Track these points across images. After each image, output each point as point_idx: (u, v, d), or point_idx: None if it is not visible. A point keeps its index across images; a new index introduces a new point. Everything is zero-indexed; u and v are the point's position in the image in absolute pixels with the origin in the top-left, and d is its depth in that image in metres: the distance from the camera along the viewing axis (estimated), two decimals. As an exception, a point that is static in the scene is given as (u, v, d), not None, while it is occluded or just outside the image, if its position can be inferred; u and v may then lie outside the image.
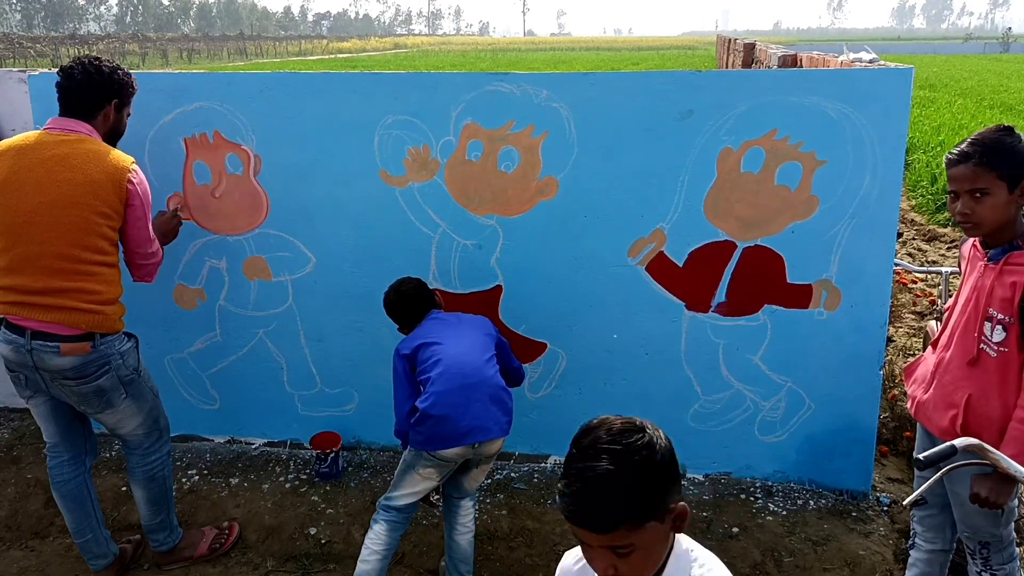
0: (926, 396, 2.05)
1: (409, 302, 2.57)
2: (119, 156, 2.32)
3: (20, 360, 2.26)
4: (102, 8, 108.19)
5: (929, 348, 2.13)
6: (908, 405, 2.15)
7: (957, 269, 3.30)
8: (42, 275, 2.21)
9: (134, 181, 2.30)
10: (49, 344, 2.22)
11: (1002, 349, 1.85)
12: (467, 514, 2.49)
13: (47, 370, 2.25)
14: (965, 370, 1.93)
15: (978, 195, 1.85)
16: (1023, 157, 1.83)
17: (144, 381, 2.48)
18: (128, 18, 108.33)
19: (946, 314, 2.17)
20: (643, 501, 1.13)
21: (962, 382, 1.94)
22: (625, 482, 1.12)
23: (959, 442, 1.71)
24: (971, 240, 2.02)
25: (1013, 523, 2.02)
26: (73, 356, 2.23)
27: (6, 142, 2.30)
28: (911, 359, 4.30)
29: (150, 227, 2.40)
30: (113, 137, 2.43)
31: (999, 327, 1.85)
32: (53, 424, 2.46)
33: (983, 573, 2.04)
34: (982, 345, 1.90)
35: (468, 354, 2.37)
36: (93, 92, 2.33)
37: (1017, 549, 2.06)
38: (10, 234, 2.22)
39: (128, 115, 2.50)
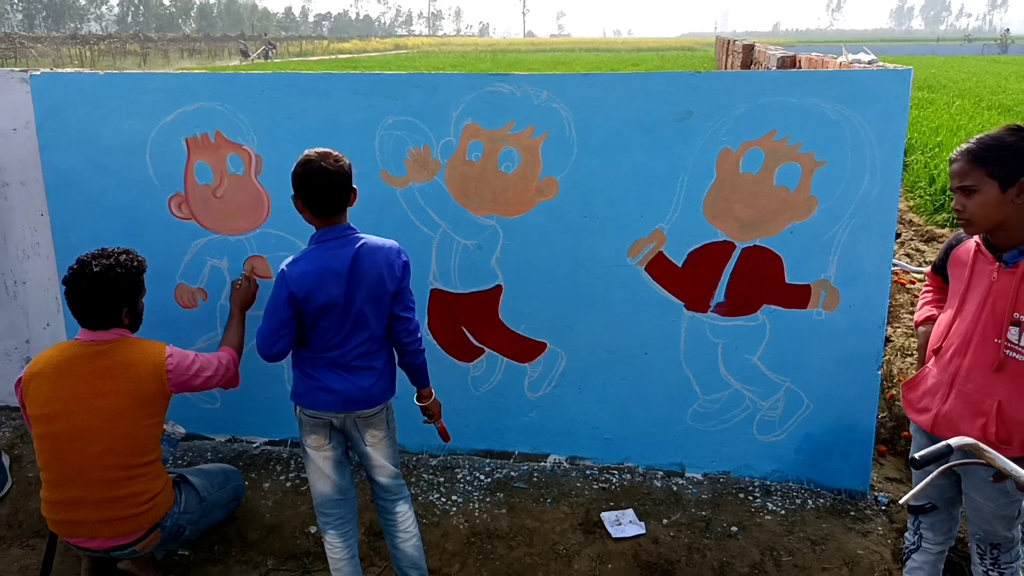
0: (945, 407, 1.99)
1: (331, 190, 2.18)
2: (151, 353, 2.38)
3: (102, 559, 2.45)
4: (103, 8, 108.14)
5: (930, 360, 2.08)
6: (919, 418, 2.07)
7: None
8: (92, 487, 2.31)
9: (170, 368, 2.37)
10: (125, 551, 2.39)
11: None
12: (404, 519, 2.41)
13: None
14: (991, 377, 1.90)
15: (968, 192, 1.87)
16: (1019, 157, 1.81)
17: (213, 503, 2.67)
18: (129, 18, 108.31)
19: (931, 313, 2.15)
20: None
21: (988, 389, 1.90)
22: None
23: (955, 441, 1.72)
24: (968, 245, 2.00)
25: (1020, 524, 2.03)
26: (150, 547, 2.43)
27: (40, 359, 2.36)
28: (909, 359, 4.32)
29: (195, 379, 2.45)
30: (135, 327, 2.47)
31: None
32: None
33: (991, 572, 2.04)
34: (1007, 351, 1.87)
35: None
36: (111, 296, 2.34)
37: (1021, 548, 2.07)
38: (56, 451, 2.31)
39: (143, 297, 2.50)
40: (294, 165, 2.18)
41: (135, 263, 2.40)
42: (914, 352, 4.43)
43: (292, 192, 2.20)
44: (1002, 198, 1.83)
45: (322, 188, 2.15)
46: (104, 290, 2.30)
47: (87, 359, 2.31)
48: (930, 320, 2.18)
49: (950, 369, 1.99)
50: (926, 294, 2.28)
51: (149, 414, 2.36)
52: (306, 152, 2.18)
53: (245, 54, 42.14)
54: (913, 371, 4.16)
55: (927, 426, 2.04)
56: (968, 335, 1.95)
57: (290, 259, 2.23)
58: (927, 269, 2.31)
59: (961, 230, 2.04)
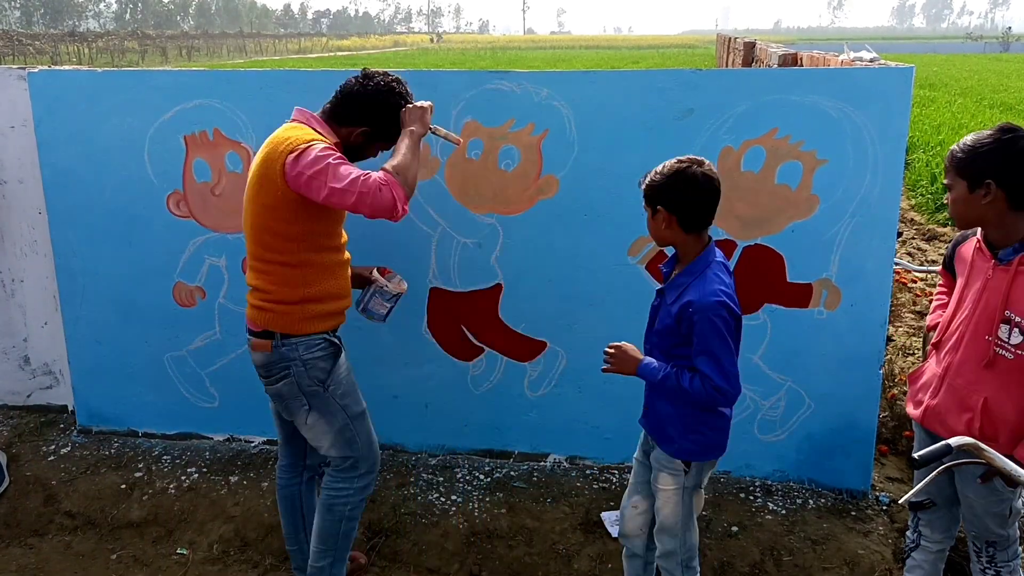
0: (935, 401, 2.02)
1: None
2: (283, 139, 2.07)
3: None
4: (101, 5, 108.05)
5: (931, 354, 2.11)
6: (912, 411, 2.10)
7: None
8: (248, 273, 2.24)
9: (289, 165, 2.02)
10: (248, 336, 2.24)
11: (1020, 352, 1.84)
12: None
13: (254, 363, 2.26)
14: (980, 373, 1.91)
15: (946, 188, 1.94)
16: (989, 160, 1.82)
17: (333, 398, 2.24)
18: (127, 15, 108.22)
19: (941, 316, 2.16)
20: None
21: (976, 385, 1.92)
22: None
23: (954, 441, 1.71)
24: (971, 242, 2.01)
25: (1017, 522, 2.03)
26: (258, 352, 2.20)
27: None
28: (911, 358, 4.31)
29: (332, 182, 1.99)
30: (352, 156, 2.21)
31: (1016, 330, 1.84)
32: (278, 427, 2.43)
33: (988, 570, 2.05)
34: (997, 348, 1.88)
35: None
36: (350, 106, 2.20)
37: (1020, 547, 2.07)
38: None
39: (379, 151, 2.32)
40: (665, 174, 1.96)
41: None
42: (916, 351, 4.42)
43: (654, 204, 2.00)
44: (970, 198, 1.87)
45: (710, 197, 1.95)
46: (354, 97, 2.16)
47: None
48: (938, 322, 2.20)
49: (943, 364, 2.01)
50: (940, 295, 2.28)
51: (267, 207, 2.09)
52: (679, 160, 1.96)
53: None
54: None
55: (919, 419, 2.08)
56: (962, 331, 1.97)
57: (721, 284, 2.01)
58: (939, 268, 2.32)
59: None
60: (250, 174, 2.16)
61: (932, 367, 2.07)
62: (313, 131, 2.15)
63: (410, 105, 2.25)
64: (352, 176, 2.00)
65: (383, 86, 2.20)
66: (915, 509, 2.23)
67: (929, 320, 2.25)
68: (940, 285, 2.30)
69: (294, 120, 2.20)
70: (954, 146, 1.91)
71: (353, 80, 2.23)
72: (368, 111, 2.19)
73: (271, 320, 2.16)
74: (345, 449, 2.29)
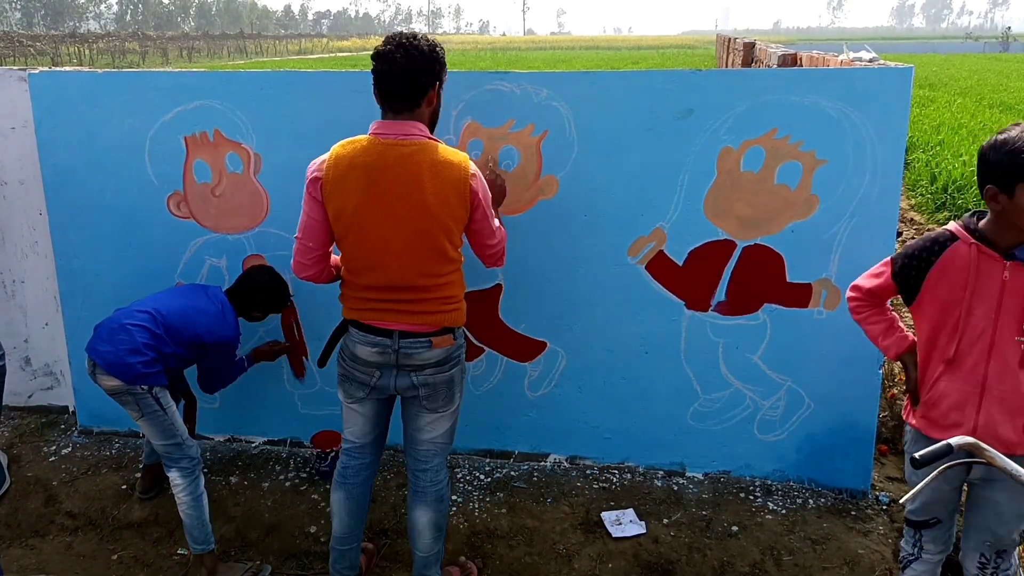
0: (981, 418, 1.92)
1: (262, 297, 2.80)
2: (458, 163, 2.12)
3: (384, 360, 2.23)
4: (102, 6, 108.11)
5: (938, 375, 1.99)
6: (945, 435, 1.84)
7: None
8: (405, 292, 2.18)
9: (476, 187, 2.13)
10: (419, 340, 2.20)
11: None
12: (174, 486, 2.56)
13: (409, 365, 2.23)
14: (1020, 375, 1.87)
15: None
16: (984, 163, 1.80)
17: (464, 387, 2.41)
18: (128, 16, 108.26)
19: (932, 333, 2.06)
20: None
21: (1020, 388, 1.88)
22: None
23: (955, 440, 1.71)
24: (958, 250, 1.90)
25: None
26: (440, 348, 2.23)
27: (344, 157, 2.10)
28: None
29: (492, 219, 2.23)
30: (434, 122, 2.22)
31: None
32: (371, 426, 2.40)
33: None
34: None
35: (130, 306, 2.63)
36: (419, 76, 2.08)
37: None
38: (367, 257, 2.15)
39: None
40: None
41: (443, 51, 2.18)
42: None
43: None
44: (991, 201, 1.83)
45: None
46: (422, 56, 2.06)
47: (394, 163, 2.08)
48: (913, 344, 2.10)
49: (975, 377, 1.92)
50: (872, 316, 2.17)
51: (451, 231, 2.15)
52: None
53: None
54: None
55: (968, 445, 1.85)
56: (988, 338, 1.89)
57: None
58: (876, 280, 2.10)
59: (918, 238, 1.99)
60: (415, 203, 2.09)
61: (956, 385, 1.96)
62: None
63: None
64: None
65: (425, 44, 2.12)
66: (920, 527, 2.16)
67: (899, 346, 2.13)
68: (862, 301, 2.17)
69: (407, 137, 2.11)
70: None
71: (399, 53, 2.08)
72: (432, 68, 2.13)
73: (456, 318, 2.25)
74: (452, 436, 2.41)
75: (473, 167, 2.15)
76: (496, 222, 2.27)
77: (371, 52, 2.14)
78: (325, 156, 2.14)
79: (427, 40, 2.11)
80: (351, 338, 2.27)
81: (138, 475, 3.15)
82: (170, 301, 2.66)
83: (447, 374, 2.28)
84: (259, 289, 2.79)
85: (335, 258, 2.30)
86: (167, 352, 2.57)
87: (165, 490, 2.94)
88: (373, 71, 2.10)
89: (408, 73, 2.06)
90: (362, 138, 2.13)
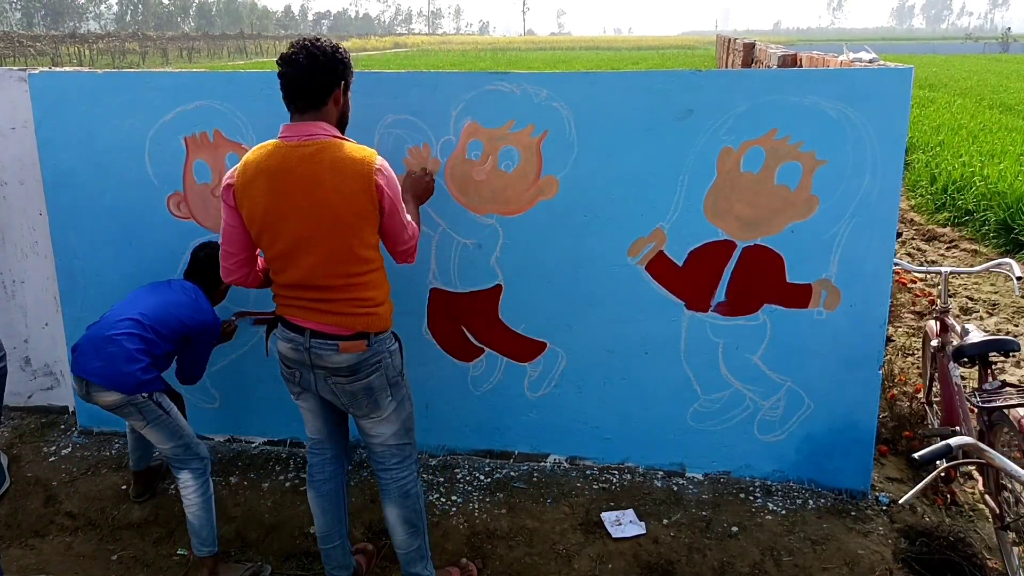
0: None
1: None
2: (361, 158, 2.15)
3: (298, 358, 2.28)
4: (102, 7, 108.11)
5: None
6: None
7: (956, 269, 3.31)
8: (316, 291, 2.21)
9: (381, 182, 2.15)
10: (328, 342, 2.22)
11: None
12: (184, 487, 2.59)
13: (322, 367, 2.26)
14: None
15: None
16: None
17: (406, 387, 2.41)
18: (128, 17, 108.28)
19: None
20: None
21: None
22: None
23: (955, 441, 1.72)
24: None
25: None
26: (349, 354, 2.23)
27: (251, 163, 2.17)
28: (910, 359, 4.31)
29: (403, 214, 2.26)
30: (343, 123, 2.28)
31: None
32: (321, 421, 2.44)
33: None
34: None
35: (113, 316, 2.59)
36: (320, 78, 2.14)
37: None
38: (282, 259, 2.21)
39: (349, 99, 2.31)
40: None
41: (348, 55, 2.25)
42: (916, 351, 4.42)
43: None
44: None
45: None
46: (324, 56, 2.12)
47: (297, 163, 2.12)
48: None
49: None
50: None
51: (361, 229, 2.18)
52: None
53: None
54: (915, 371, 4.15)
55: None
56: None
57: None
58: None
59: None
60: (320, 203, 2.13)
61: None
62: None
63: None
64: None
65: (328, 46, 2.20)
66: None
67: None
68: None
69: (310, 137, 2.16)
70: None
71: (301, 55, 2.15)
72: (335, 69, 2.20)
73: (371, 322, 2.24)
74: (406, 436, 2.41)
75: (379, 161, 2.17)
76: (408, 218, 2.29)
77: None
78: (238, 164, 2.22)
79: (330, 42, 2.19)
80: (277, 333, 2.34)
81: (138, 475, 3.15)
82: (145, 302, 2.63)
83: (363, 382, 2.26)
84: (208, 261, 2.73)
85: (262, 262, 2.35)
86: (159, 353, 2.57)
87: (160, 492, 2.93)
88: (278, 75, 2.17)
89: (310, 72, 2.12)
90: (269, 143, 2.20)
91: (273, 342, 2.38)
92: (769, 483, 3.07)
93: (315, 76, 2.13)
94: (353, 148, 2.17)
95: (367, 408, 2.31)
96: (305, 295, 2.22)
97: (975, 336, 2.92)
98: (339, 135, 2.20)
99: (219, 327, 2.76)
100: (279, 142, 2.17)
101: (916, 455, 1.72)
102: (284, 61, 2.15)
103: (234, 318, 3.05)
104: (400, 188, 2.25)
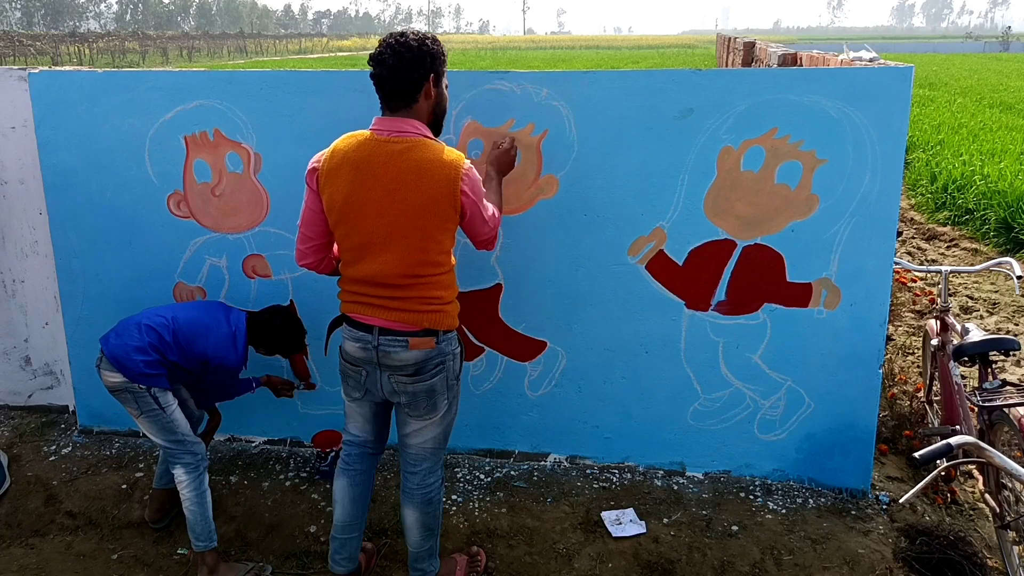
0: None
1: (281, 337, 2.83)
2: (449, 162, 2.13)
3: (366, 357, 2.26)
4: (102, 6, 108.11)
5: None
6: None
7: (956, 268, 3.31)
8: (384, 288, 2.20)
9: (466, 188, 2.15)
10: (397, 339, 2.21)
11: None
12: (178, 483, 2.59)
13: (389, 365, 2.25)
14: None
15: None
16: None
17: (458, 392, 2.42)
18: (128, 16, 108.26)
19: None
20: None
21: None
22: None
23: (955, 440, 1.72)
24: None
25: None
26: (417, 351, 2.22)
27: (340, 151, 2.17)
28: (910, 358, 4.31)
29: (484, 211, 2.25)
30: (439, 114, 2.27)
31: None
32: (371, 425, 2.43)
33: None
34: None
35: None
36: (409, 75, 2.13)
37: None
38: (356, 251, 2.20)
39: (446, 86, 2.29)
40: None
41: (439, 45, 2.24)
42: (916, 351, 4.42)
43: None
44: None
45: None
46: (410, 53, 2.12)
47: (384, 160, 2.12)
48: None
49: None
50: None
51: (440, 231, 2.18)
52: None
53: None
54: (915, 370, 4.15)
55: None
56: None
57: None
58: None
59: None
60: (401, 200, 2.12)
61: None
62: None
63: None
64: None
65: (413, 40, 2.18)
66: None
67: None
68: None
69: (402, 134, 2.15)
70: None
71: (387, 53, 2.15)
72: (422, 63, 2.17)
73: (438, 319, 2.24)
74: (444, 441, 2.41)
75: (466, 166, 2.17)
76: (490, 210, 2.30)
77: (368, 54, 2.18)
78: (327, 149, 2.23)
79: (416, 35, 2.16)
80: (343, 333, 2.33)
81: (138, 474, 3.16)
82: (188, 312, 2.70)
83: (427, 383, 2.27)
84: (271, 331, 2.80)
85: (336, 250, 2.34)
86: (171, 359, 2.59)
87: (174, 519, 2.90)
88: (370, 75, 2.19)
89: (398, 72, 2.12)
90: (361, 133, 2.20)
91: (334, 341, 2.38)
92: (769, 482, 3.07)
93: (403, 74, 2.12)
94: (441, 151, 2.15)
95: (424, 409, 2.29)
96: (372, 291, 2.21)
97: (975, 335, 2.92)
98: (429, 135, 2.19)
99: (239, 370, 2.77)
100: (370, 134, 2.17)
101: (916, 454, 1.72)
102: (374, 61, 2.16)
103: (263, 380, 3.11)
104: (482, 188, 2.25)
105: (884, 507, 2.93)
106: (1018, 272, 3.02)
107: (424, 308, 2.22)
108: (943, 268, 3.24)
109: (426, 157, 2.13)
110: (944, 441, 1.72)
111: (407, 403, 2.30)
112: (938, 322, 3.20)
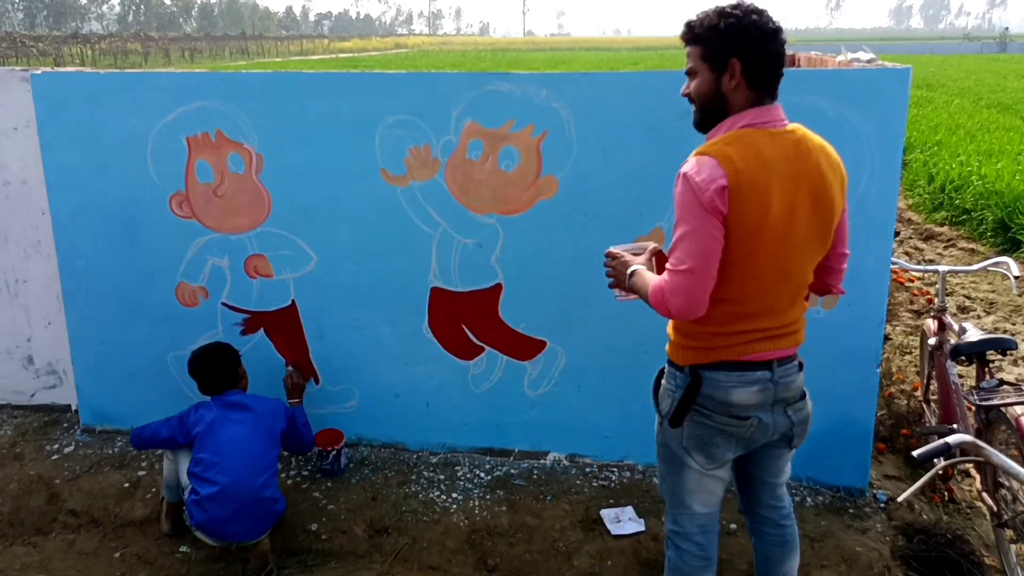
0: None
1: (210, 370, 2.81)
2: (833, 149, 1.84)
3: (763, 400, 1.83)
4: (104, 7, 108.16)
5: None
6: None
7: (954, 267, 3.33)
8: (776, 316, 1.83)
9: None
10: (791, 364, 1.86)
11: None
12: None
13: (784, 399, 1.87)
14: None
15: None
16: None
17: None
18: (130, 17, 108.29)
19: None
20: None
21: None
22: None
23: (953, 439, 1.73)
24: None
25: None
26: (802, 374, 1.91)
27: (750, 153, 1.72)
28: (908, 357, 4.32)
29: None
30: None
31: None
32: (723, 487, 1.98)
33: None
34: None
35: (247, 474, 2.58)
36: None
37: None
38: (777, 278, 1.77)
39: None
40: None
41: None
42: (913, 350, 4.44)
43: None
44: None
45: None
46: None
47: (796, 155, 1.78)
48: None
49: None
50: None
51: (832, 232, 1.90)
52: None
53: None
54: (912, 369, 4.17)
55: None
56: None
57: None
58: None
59: None
60: (821, 204, 1.79)
61: None
62: None
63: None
64: None
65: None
66: None
67: None
68: None
69: (781, 122, 1.85)
70: None
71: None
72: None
73: (803, 334, 1.95)
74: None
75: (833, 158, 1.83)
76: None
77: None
78: (708, 159, 1.72)
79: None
80: (718, 385, 1.83)
81: (140, 473, 3.17)
82: (260, 445, 2.70)
83: (806, 410, 1.94)
84: (206, 371, 2.83)
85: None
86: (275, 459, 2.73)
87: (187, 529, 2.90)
88: (769, 53, 1.79)
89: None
90: (744, 131, 1.77)
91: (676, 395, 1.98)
92: (768, 481, 3.08)
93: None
94: (820, 137, 1.81)
95: (804, 434, 1.95)
96: (765, 323, 1.81)
97: (973, 334, 2.94)
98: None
99: (284, 405, 2.89)
100: (761, 129, 1.76)
101: (914, 453, 1.73)
102: (772, 38, 1.79)
103: (289, 368, 3.16)
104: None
105: (882, 505, 2.94)
106: (1015, 272, 3.04)
107: (802, 321, 1.92)
108: (940, 268, 3.25)
109: (823, 144, 1.86)
110: (942, 440, 1.73)
111: (799, 433, 1.92)
112: (935, 321, 3.22)
